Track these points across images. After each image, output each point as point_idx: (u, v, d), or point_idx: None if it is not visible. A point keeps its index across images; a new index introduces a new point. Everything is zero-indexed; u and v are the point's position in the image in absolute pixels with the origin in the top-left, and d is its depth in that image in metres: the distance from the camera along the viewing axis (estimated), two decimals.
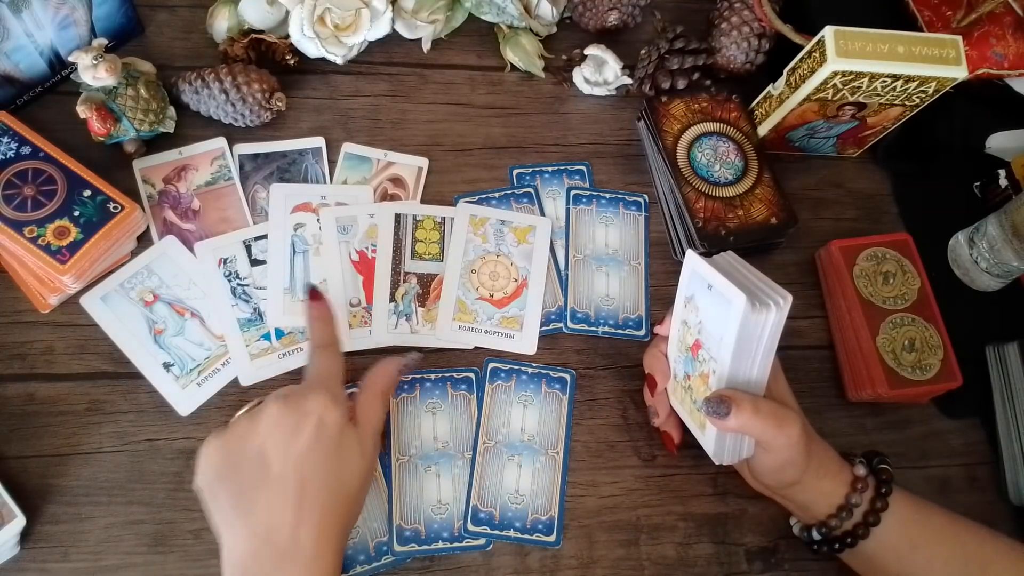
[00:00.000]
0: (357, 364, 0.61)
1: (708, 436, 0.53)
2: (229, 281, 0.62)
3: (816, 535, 0.55)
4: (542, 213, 0.68)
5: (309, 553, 0.45)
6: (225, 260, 0.62)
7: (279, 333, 0.61)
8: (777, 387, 0.55)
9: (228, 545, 0.45)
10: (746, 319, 0.47)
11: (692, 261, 0.52)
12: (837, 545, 0.54)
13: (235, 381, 0.59)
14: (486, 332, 0.63)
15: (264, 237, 0.64)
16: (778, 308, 0.47)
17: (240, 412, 0.49)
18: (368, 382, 0.52)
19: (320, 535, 0.45)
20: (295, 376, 0.60)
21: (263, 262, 0.63)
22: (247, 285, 0.62)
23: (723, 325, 0.48)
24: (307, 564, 0.45)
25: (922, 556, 0.53)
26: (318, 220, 0.64)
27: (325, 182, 0.67)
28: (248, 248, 0.63)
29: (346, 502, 0.48)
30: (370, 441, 0.50)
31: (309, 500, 0.45)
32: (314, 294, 0.55)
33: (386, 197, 0.67)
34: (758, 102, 0.70)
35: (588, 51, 0.73)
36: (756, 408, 0.49)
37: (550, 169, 0.70)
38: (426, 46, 0.74)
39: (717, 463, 0.54)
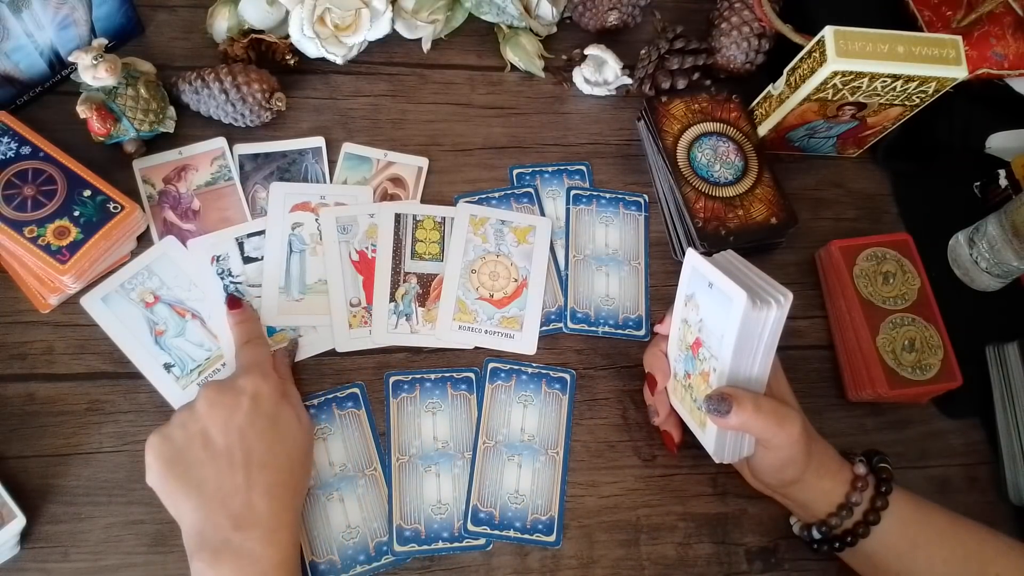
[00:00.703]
0: (358, 364, 0.61)
1: (708, 435, 0.53)
2: (222, 279, 0.62)
3: (816, 534, 0.55)
4: (542, 213, 0.68)
5: (265, 515, 0.48)
6: (218, 258, 0.62)
7: (270, 331, 0.61)
8: (777, 385, 0.55)
9: (187, 522, 0.48)
10: (747, 317, 0.47)
11: (692, 259, 0.52)
12: (837, 544, 0.54)
13: None
14: (486, 332, 0.63)
15: (257, 234, 0.63)
16: (779, 306, 0.47)
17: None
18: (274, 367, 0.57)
19: (273, 499, 0.48)
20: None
21: (256, 259, 0.63)
22: (240, 283, 0.62)
23: (724, 323, 0.48)
24: (265, 526, 0.47)
25: (922, 555, 0.53)
26: (316, 220, 0.64)
27: (325, 182, 0.67)
28: (241, 245, 0.63)
29: (292, 468, 0.51)
30: (303, 412, 0.55)
31: (257, 467, 0.49)
32: (233, 302, 0.59)
33: (386, 197, 0.67)
34: (758, 102, 0.70)
35: (588, 51, 0.73)
36: (757, 406, 0.49)
37: (550, 169, 0.70)
38: (426, 46, 0.74)
39: (717, 461, 0.54)
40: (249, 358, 0.55)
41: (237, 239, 0.63)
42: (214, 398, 0.50)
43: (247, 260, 0.63)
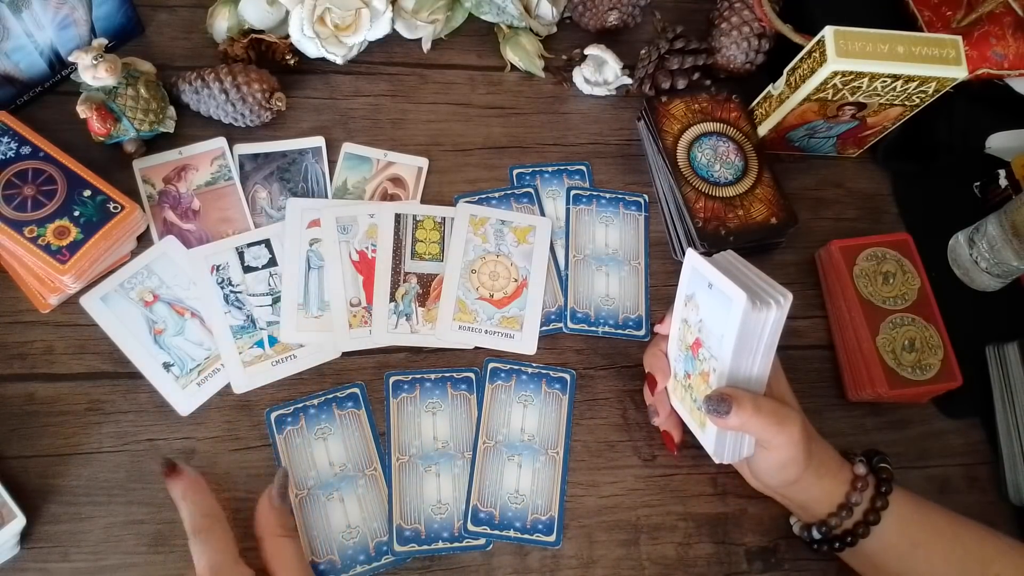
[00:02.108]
0: (358, 364, 0.61)
1: (708, 435, 0.53)
2: (222, 288, 0.62)
3: (816, 534, 0.55)
4: (542, 213, 0.68)
5: None
6: (218, 267, 0.62)
7: (272, 340, 0.61)
8: (777, 386, 0.55)
9: None
10: (747, 317, 0.47)
11: (692, 260, 0.52)
12: (837, 544, 0.54)
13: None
14: (486, 332, 0.63)
15: (258, 244, 0.63)
16: (778, 306, 0.47)
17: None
18: (259, 531, 0.49)
19: None
20: (289, 383, 0.60)
21: (256, 268, 0.63)
22: (240, 292, 0.62)
23: (724, 323, 0.48)
24: None
25: (922, 555, 0.53)
26: None
27: (325, 182, 0.67)
28: (241, 255, 0.63)
29: None
30: None
31: None
32: (169, 469, 0.48)
33: (386, 197, 0.67)
34: (758, 102, 0.70)
35: (588, 51, 0.73)
36: (757, 406, 0.49)
37: (550, 169, 0.70)
38: (426, 46, 0.74)
39: (717, 462, 0.54)
40: (204, 563, 0.45)
41: (237, 248, 0.63)
42: None
43: (247, 269, 0.62)
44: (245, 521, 0.51)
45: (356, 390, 0.60)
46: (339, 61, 0.69)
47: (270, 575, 0.46)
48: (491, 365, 0.62)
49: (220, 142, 0.66)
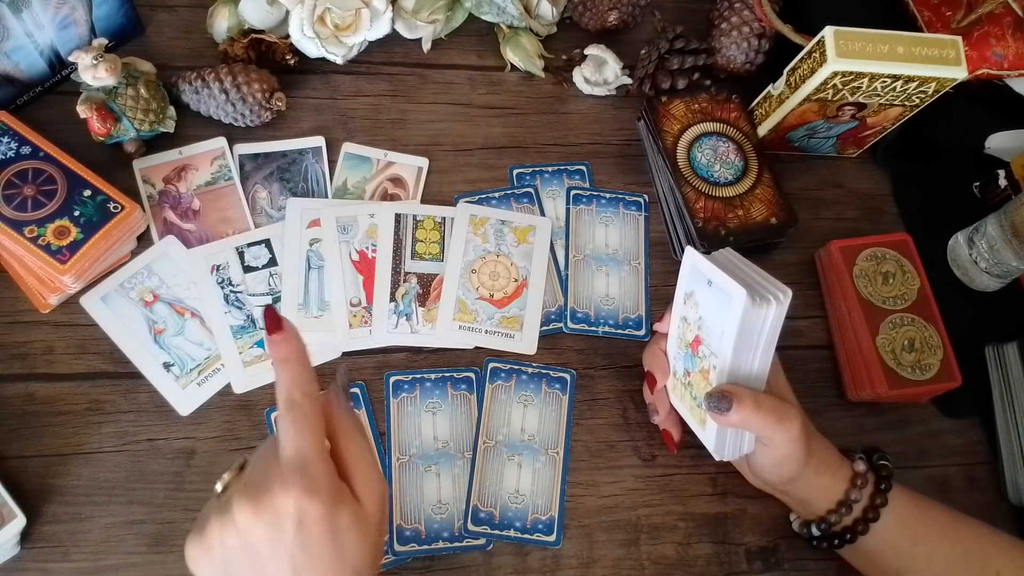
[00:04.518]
0: (358, 364, 0.61)
1: (708, 432, 0.53)
2: (222, 288, 0.62)
3: (816, 531, 0.56)
4: (542, 213, 0.68)
5: None
6: (218, 267, 0.62)
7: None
8: (777, 383, 0.55)
9: None
10: (747, 314, 0.47)
11: (691, 257, 0.52)
12: (837, 541, 0.54)
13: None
14: (486, 332, 0.63)
15: (258, 244, 0.63)
16: (778, 303, 0.47)
17: (209, 501, 0.42)
18: (331, 429, 0.42)
19: None
20: None
21: (256, 268, 0.63)
22: (240, 292, 0.62)
23: (723, 320, 0.48)
24: None
25: (922, 552, 0.53)
26: None
27: (326, 182, 0.67)
28: (241, 255, 0.63)
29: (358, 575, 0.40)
30: (368, 491, 0.41)
31: None
32: (272, 320, 0.42)
33: (386, 197, 0.67)
34: (758, 102, 0.70)
35: (588, 51, 0.73)
36: (757, 403, 0.49)
37: (550, 169, 0.70)
38: (426, 46, 0.74)
39: (717, 459, 0.54)
40: (292, 449, 0.39)
41: (237, 248, 0.63)
42: (250, 520, 0.38)
43: (247, 269, 0.62)
44: None
45: (356, 390, 0.60)
46: (339, 61, 0.69)
47: (344, 475, 0.41)
48: (491, 365, 0.62)
49: (220, 142, 0.66)
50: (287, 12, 0.68)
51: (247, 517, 0.38)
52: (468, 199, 0.68)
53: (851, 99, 0.64)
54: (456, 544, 0.56)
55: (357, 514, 0.40)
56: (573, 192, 0.69)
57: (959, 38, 0.61)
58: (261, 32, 0.68)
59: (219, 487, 0.41)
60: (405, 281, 0.64)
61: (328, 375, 0.61)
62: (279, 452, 0.40)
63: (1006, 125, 0.73)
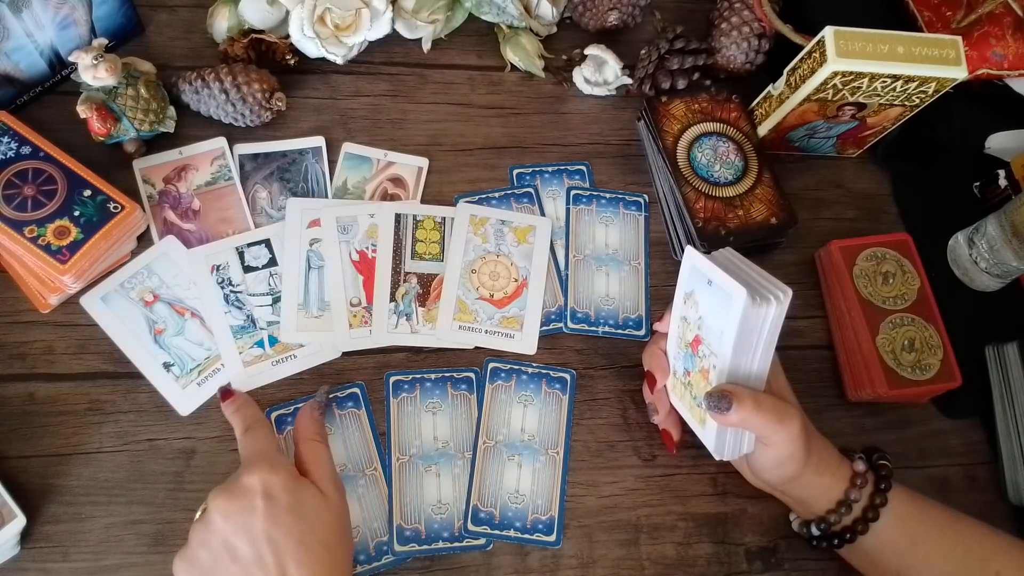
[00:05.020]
0: (358, 364, 0.61)
1: (708, 432, 0.53)
2: (222, 288, 0.62)
3: (815, 531, 0.56)
4: (542, 213, 0.68)
5: None
6: (218, 267, 0.62)
7: (272, 340, 0.61)
8: (776, 383, 0.55)
9: None
10: (747, 313, 0.47)
11: (691, 257, 0.52)
12: (836, 540, 0.54)
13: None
14: (486, 332, 0.63)
15: (258, 244, 0.63)
16: (778, 302, 0.47)
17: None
18: (297, 435, 0.53)
19: None
20: (289, 383, 0.60)
21: (256, 268, 0.63)
22: (240, 292, 0.62)
23: (723, 320, 0.48)
24: None
25: (922, 551, 0.53)
26: None
27: (326, 182, 0.67)
28: (241, 255, 0.63)
29: (330, 550, 0.47)
30: (327, 484, 0.50)
31: (294, 565, 0.45)
32: (225, 394, 0.56)
33: (386, 197, 0.67)
34: (758, 102, 0.70)
35: (588, 51, 0.73)
36: (757, 403, 0.49)
37: (550, 169, 0.70)
38: (426, 46, 0.74)
39: (717, 459, 0.54)
40: (252, 448, 0.51)
41: (237, 248, 0.63)
42: (225, 507, 0.46)
43: (247, 269, 0.62)
44: None
45: (356, 390, 0.60)
46: (339, 61, 0.69)
47: (304, 472, 0.50)
48: (491, 365, 0.62)
49: (220, 142, 0.66)
50: (287, 12, 0.68)
51: (221, 505, 0.46)
52: (468, 199, 0.68)
53: (851, 99, 0.64)
54: (456, 544, 0.56)
55: (317, 495, 0.49)
56: (573, 192, 0.69)
57: (959, 38, 0.61)
58: (261, 32, 0.68)
59: (199, 513, 0.48)
60: (405, 281, 0.64)
61: (327, 375, 0.61)
62: (242, 457, 0.51)
63: (1006, 125, 0.73)
